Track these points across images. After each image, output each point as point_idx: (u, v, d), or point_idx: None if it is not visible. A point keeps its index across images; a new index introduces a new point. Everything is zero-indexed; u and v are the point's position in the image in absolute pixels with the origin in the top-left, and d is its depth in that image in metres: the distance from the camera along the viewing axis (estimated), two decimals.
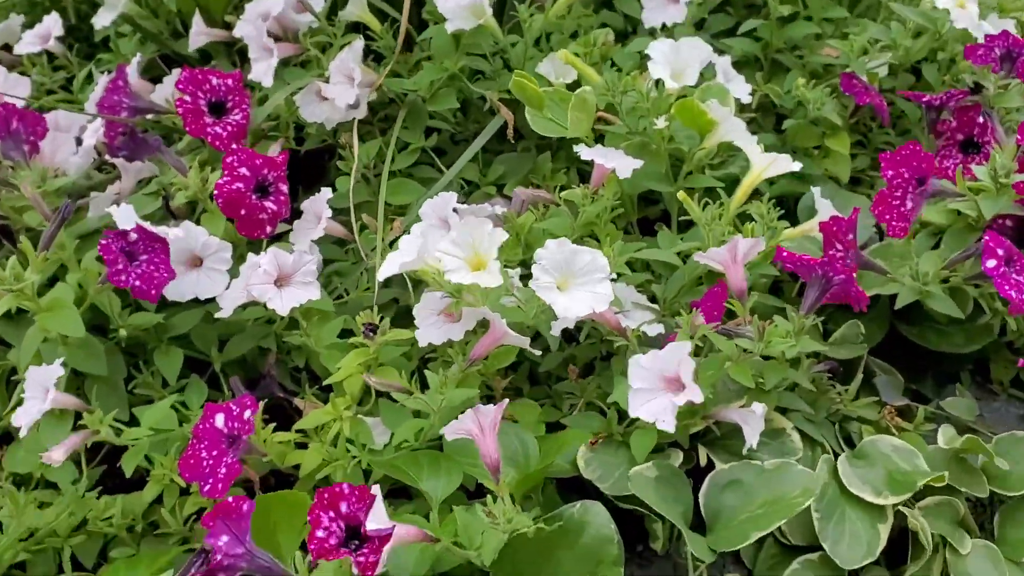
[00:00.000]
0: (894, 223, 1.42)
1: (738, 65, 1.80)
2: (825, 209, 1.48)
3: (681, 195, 1.38)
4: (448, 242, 1.23)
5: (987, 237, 1.36)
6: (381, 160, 1.61)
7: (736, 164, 1.59)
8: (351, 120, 1.62)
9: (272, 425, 1.32)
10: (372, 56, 1.71)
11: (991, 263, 1.34)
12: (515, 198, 1.56)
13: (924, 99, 1.63)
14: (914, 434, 1.44)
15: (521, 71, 1.47)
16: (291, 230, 1.54)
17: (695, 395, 1.21)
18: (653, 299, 1.47)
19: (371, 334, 1.30)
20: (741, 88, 1.65)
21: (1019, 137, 1.41)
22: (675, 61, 1.50)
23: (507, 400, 1.20)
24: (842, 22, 1.84)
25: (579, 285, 1.24)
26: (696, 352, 1.27)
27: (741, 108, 1.75)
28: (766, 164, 1.42)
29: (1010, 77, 1.64)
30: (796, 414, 1.41)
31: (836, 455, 1.37)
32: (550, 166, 1.66)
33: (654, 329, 1.40)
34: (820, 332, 1.47)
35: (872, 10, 1.90)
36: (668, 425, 1.21)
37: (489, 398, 1.38)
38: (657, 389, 1.24)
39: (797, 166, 1.44)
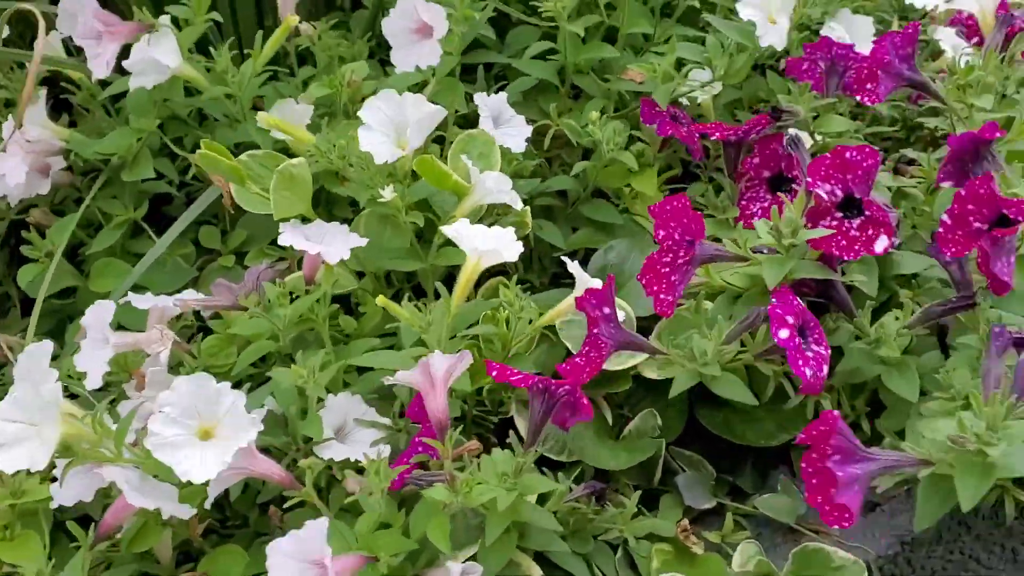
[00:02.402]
0: (662, 296, 1.15)
1: (536, 92, 1.54)
2: (583, 279, 1.21)
3: (380, 300, 1.11)
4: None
5: (774, 301, 1.10)
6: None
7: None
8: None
9: None
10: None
11: (783, 333, 1.09)
12: (248, 276, 1.30)
13: (715, 134, 1.36)
14: (714, 558, 1.19)
15: (211, 141, 1.20)
16: None
17: None
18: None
19: None
20: (517, 133, 1.38)
21: (809, 179, 1.15)
22: (400, 121, 1.22)
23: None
24: (660, 41, 1.57)
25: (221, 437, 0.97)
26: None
27: (539, 144, 1.49)
28: (477, 258, 1.14)
29: (836, 94, 1.39)
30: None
31: None
32: None
33: (385, 451, 1.14)
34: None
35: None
36: None
37: None
38: None
39: (513, 255, 1.16)
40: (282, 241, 1.15)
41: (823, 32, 1.58)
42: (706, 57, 1.45)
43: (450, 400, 1.06)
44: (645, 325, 1.28)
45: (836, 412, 1.02)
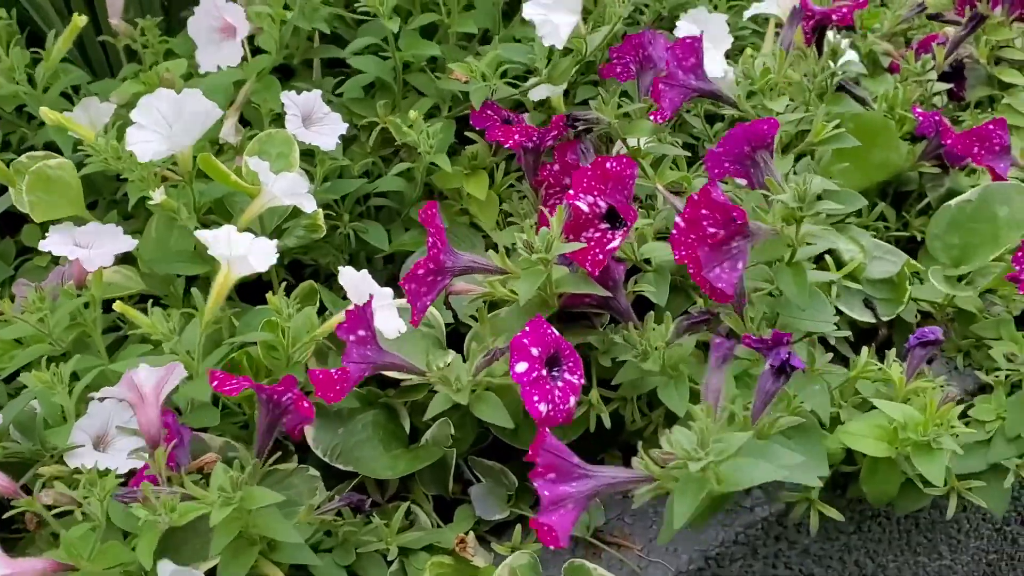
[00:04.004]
0: (416, 315, 1.12)
1: (377, 90, 1.52)
2: (355, 289, 1.18)
3: (118, 305, 1.08)
4: None
5: (527, 329, 1.07)
6: None
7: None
8: None
9: None
10: None
11: (520, 367, 1.06)
12: (52, 276, 1.28)
13: (508, 141, 1.33)
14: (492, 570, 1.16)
15: None
16: None
17: None
18: None
19: None
20: (331, 132, 1.35)
21: (571, 191, 1.11)
22: (176, 122, 1.20)
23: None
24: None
25: None
26: None
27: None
28: (228, 266, 1.12)
29: (646, 99, 1.35)
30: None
31: None
32: None
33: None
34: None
35: None
36: None
37: None
38: None
39: (263, 265, 1.13)
40: (42, 246, 1.13)
41: (677, 31, 1.55)
42: (530, 58, 1.41)
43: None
44: None
45: (547, 431, 0.99)
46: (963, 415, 1.34)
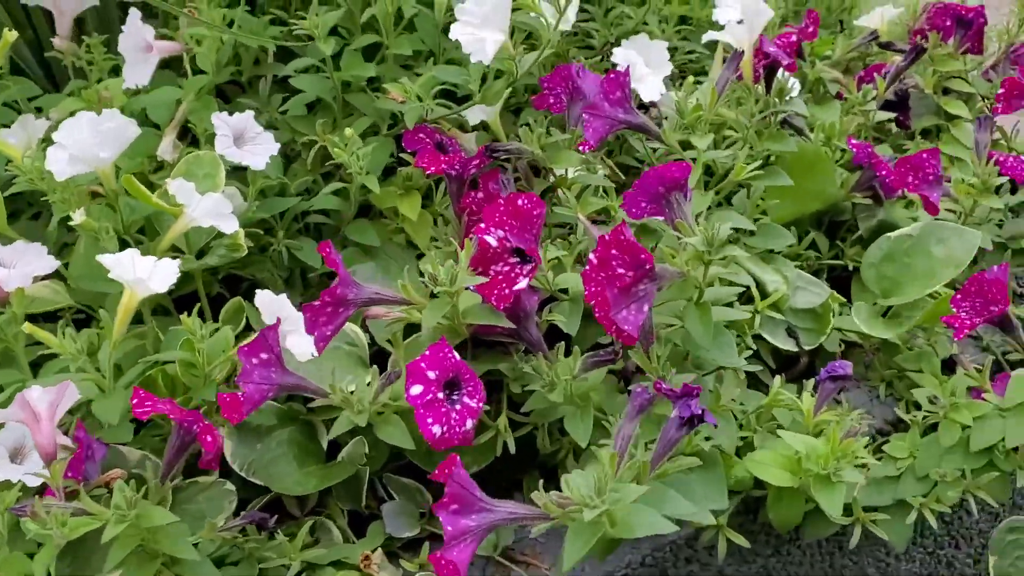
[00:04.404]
0: (318, 343, 1.16)
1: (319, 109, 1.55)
2: (267, 308, 1.21)
3: (27, 327, 1.12)
4: None
5: (426, 353, 1.10)
6: None
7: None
8: None
9: None
10: None
11: (415, 390, 1.10)
12: None
13: (430, 168, 1.35)
14: None
15: None
16: None
17: None
18: None
19: None
20: (263, 151, 1.38)
21: (482, 225, 1.14)
22: (93, 140, 1.23)
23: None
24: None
25: None
26: None
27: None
28: (129, 290, 1.15)
29: (572, 130, 1.38)
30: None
31: None
32: None
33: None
34: None
35: None
36: None
37: None
38: None
39: (161, 287, 1.16)
40: None
41: (614, 57, 1.58)
42: (464, 79, 1.44)
43: None
44: None
45: (456, 459, 1.02)
46: (878, 449, 1.38)
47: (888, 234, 1.53)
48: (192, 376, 1.22)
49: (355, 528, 1.29)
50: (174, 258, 1.22)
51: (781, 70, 1.50)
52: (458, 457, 1.02)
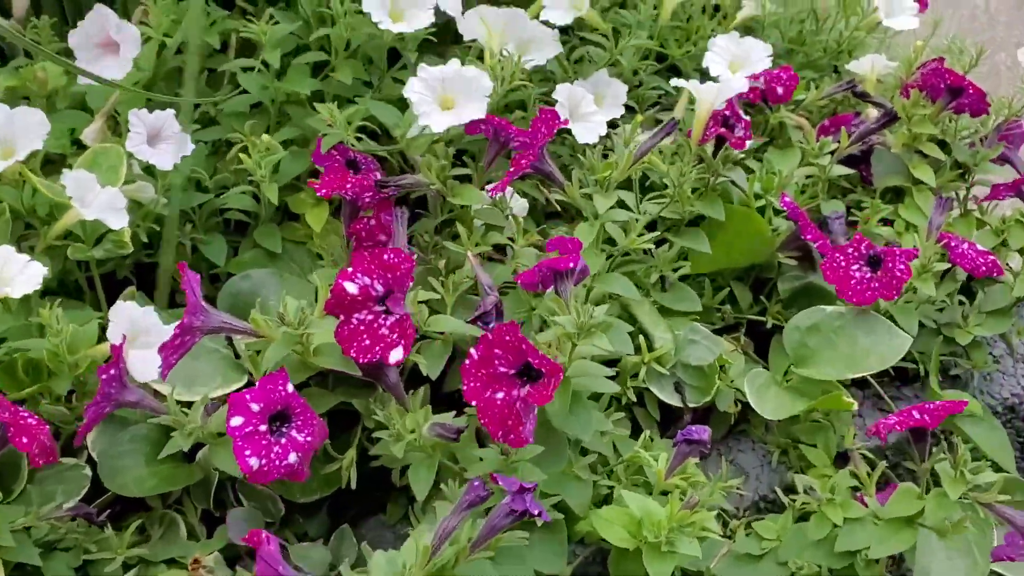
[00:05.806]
0: (163, 370, 1.18)
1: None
2: (128, 323, 1.24)
3: None
4: None
5: (256, 385, 1.12)
6: None
7: None
8: None
9: None
10: None
11: (235, 421, 1.10)
12: None
13: (323, 190, 1.35)
14: None
15: None
16: None
17: None
18: None
19: None
20: (174, 151, 1.40)
21: (348, 270, 1.15)
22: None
23: None
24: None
25: None
26: None
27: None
28: None
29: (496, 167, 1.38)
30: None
31: None
32: None
33: None
34: None
35: None
36: None
37: None
38: None
39: (24, 290, 1.20)
40: None
41: (555, 94, 1.55)
42: (395, 123, 1.44)
43: None
44: None
45: (267, 535, 1.04)
46: (749, 524, 1.36)
47: (824, 307, 1.49)
48: (58, 362, 1.26)
49: (213, 529, 1.32)
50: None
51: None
52: (270, 535, 1.04)
